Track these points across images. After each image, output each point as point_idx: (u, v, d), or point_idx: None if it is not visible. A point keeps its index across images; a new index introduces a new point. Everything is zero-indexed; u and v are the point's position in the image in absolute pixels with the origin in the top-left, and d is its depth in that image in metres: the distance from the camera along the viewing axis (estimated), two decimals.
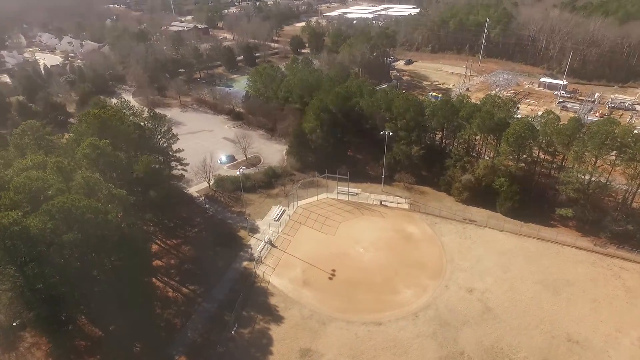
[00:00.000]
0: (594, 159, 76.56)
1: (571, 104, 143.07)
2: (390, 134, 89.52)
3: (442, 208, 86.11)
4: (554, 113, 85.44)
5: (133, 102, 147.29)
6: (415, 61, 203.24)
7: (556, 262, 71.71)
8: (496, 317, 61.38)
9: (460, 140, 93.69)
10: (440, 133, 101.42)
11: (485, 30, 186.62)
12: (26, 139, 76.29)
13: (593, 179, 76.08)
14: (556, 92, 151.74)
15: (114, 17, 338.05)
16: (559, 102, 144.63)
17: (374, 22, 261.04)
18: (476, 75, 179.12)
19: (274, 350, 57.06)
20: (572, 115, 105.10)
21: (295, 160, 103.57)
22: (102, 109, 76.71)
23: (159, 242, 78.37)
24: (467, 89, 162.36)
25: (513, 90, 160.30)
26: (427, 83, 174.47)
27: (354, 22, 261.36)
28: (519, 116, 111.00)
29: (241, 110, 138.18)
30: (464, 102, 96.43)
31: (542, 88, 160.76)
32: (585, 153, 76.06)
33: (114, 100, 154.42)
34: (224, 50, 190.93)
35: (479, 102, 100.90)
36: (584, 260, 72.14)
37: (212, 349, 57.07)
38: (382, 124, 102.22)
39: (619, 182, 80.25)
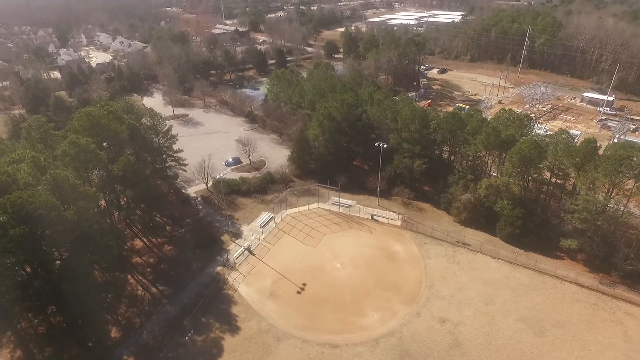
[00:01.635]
0: (606, 187, 68.11)
1: (614, 122, 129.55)
2: (385, 146, 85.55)
3: (437, 228, 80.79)
4: (567, 133, 77.38)
5: (158, 100, 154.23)
6: (450, 70, 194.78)
7: (549, 298, 64.44)
8: (464, 354, 56.00)
9: (465, 157, 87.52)
10: (448, 148, 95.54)
11: (527, 40, 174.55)
12: (33, 133, 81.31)
13: (604, 209, 67.55)
14: (599, 109, 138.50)
15: (168, 19, 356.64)
16: (600, 120, 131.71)
17: (415, 28, 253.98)
18: (513, 87, 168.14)
19: None
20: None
21: (295, 167, 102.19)
22: (101, 108, 79.87)
23: (144, 240, 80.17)
24: (500, 101, 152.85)
25: (550, 104, 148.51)
26: (459, 93, 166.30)
27: (395, 28, 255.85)
28: (542, 132, 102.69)
29: (259, 114, 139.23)
30: (475, 115, 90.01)
31: (584, 103, 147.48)
32: (597, 180, 67.84)
33: (144, 99, 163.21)
34: (255, 53, 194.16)
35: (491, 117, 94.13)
36: (583, 299, 64.20)
37: (163, 352, 56.90)
38: (387, 134, 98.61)
39: (638, 214, 70.86)
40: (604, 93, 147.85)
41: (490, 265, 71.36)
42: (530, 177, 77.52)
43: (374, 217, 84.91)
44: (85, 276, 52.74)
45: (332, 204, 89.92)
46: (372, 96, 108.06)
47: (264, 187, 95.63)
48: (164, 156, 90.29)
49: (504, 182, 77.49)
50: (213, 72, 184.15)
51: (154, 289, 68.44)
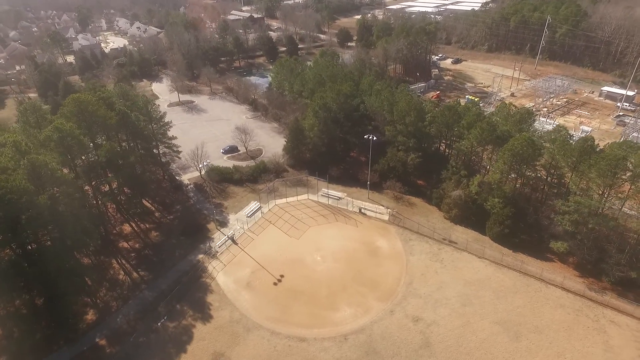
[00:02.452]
0: (600, 188, 64.62)
1: (633, 118, 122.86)
2: (375, 138, 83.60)
3: (425, 224, 78.92)
4: (565, 129, 73.52)
5: (166, 86, 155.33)
6: (465, 60, 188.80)
7: (531, 302, 62.13)
8: (433, 354, 54.77)
9: (459, 151, 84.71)
10: (445, 142, 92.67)
11: (546, 30, 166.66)
12: (30, 117, 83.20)
13: (597, 211, 64.19)
14: (618, 104, 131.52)
15: (187, 4, 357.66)
16: (617, 116, 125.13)
17: (432, 16, 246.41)
18: (528, 79, 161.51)
19: (189, 349, 56.47)
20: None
21: (290, 157, 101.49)
22: (93, 93, 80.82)
23: (133, 225, 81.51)
24: (512, 94, 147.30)
25: (566, 98, 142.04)
26: (471, 85, 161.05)
27: (412, 15, 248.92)
28: (550, 128, 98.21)
29: (263, 102, 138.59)
30: (472, 109, 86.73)
31: (602, 98, 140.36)
32: (590, 181, 64.45)
33: (153, 85, 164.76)
34: (265, 40, 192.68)
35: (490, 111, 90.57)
36: (567, 305, 61.61)
37: (135, 336, 57.99)
38: (384, 126, 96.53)
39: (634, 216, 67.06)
40: (626, 87, 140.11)
41: (474, 265, 69.28)
42: (523, 176, 74.31)
43: (362, 210, 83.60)
44: (57, 259, 53.74)
45: (322, 195, 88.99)
46: (372, 86, 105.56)
47: (257, 176, 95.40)
48: (156, 142, 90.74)
49: (495, 180, 74.69)
50: (223, 58, 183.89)
51: (135, 274, 69.65)
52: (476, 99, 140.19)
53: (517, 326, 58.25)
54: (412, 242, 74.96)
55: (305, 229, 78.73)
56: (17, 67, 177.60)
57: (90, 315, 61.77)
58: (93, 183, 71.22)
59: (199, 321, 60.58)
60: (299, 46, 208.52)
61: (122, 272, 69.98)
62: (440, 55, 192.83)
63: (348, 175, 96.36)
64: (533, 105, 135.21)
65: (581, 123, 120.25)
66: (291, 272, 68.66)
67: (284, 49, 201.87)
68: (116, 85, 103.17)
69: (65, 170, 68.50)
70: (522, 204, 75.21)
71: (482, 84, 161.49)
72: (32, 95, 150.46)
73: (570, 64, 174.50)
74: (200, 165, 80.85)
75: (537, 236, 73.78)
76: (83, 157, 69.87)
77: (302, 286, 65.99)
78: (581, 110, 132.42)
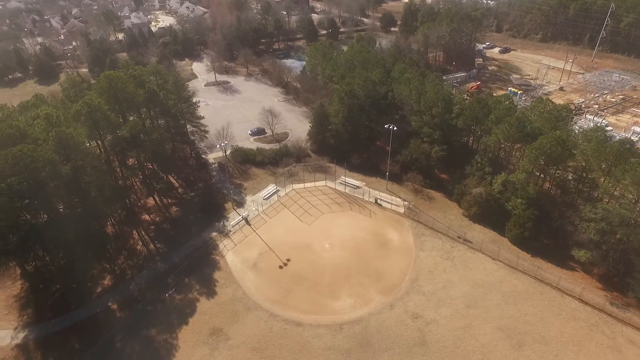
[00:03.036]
0: (634, 197, 59.28)
1: None
2: (395, 128, 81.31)
3: (441, 220, 76.50)
4: (603, 129, 67.66)
5: (205, 66, 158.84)
6: (514, 50, 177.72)
7: (542, 310, 58.88)
8: (427, 353, 53.68)
9: (485, 147, 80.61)
10: (473, 136, 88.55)
11: (607, 19, 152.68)
12: (70, 91, 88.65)
13: (628, 221, 59.06)
14: None
15: None
16: None
17: (485, 1, 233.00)
18: (582, 73, 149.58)
19: (191, 321, 58.98)
20: None
21: (313, 142, 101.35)
22: (125, 71, 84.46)
23: (156, 199, 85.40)
24: (561, 88, 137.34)
25: (623, 95, 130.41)
26: (516, 76, 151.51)
27: (463, 0, 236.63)
28: (605, 124, 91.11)
29: (296, 85, 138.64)
30: (503, 103, 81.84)
31: None
32: (623, 188, 59.28)
33: (194, 64, 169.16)
34: (306, 22, 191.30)
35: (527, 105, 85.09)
36: (582, 318, 57.81)
37: (142, 304, 61.44)
38: (411, 116, 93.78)
39: None
40: None
41: (486, 267, 66.47)
42: (552, 177, 69.63)
43: (378, 201, 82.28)
44: (76, 226, 57.60)
45: (340, 183, 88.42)
46: (403, 74, 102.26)
47: (278, 160, 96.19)
48: (184, 121, 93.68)
49: (520, 179, 70.54)
50: (263, 40, 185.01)
51: (151, 246, 73.27)
52: (519, 92, 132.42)
53: (521, 334, 55.56)
54: (424, 237, 73.02)
55: (319, 216, 78.84)
56: (74, 43, 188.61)
57: (107, 281, 66.00)
58: (119, 157, 74.97)
59: (203, 296, 62.99)
60: (341, 30, 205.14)
61: (140, 243, 73.84)
62: (487, 43, 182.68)
63: (370, 165, 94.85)
64: (582, 102, 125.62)
65: (635, 123, 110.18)
66: (298, 257, 69.33)
67: (324, 32, 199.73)
68: (150, 64, 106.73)
69: (94, 144, 72.93)
70: (547, 207, 70.77)
71: (529, 75, 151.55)
72: (83, 70, 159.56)
73: (635, 58, 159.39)
74: (217, 145, 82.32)
75: (563, 242, 69.29)
76: (110, 132, 73.31)
77: (306, 272, 66.54)
78: (638, 109, 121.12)
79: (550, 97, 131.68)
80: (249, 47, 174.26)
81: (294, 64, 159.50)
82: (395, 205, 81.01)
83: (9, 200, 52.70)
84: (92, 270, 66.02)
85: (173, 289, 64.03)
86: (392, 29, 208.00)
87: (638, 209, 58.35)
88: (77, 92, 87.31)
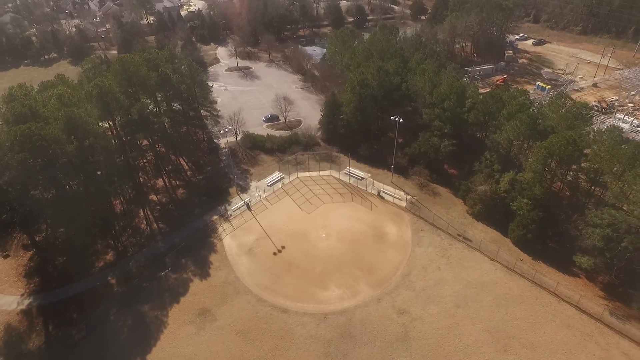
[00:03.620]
0: None
1: None
2: (401, 120, 79.61)
3: (444, 216, 74.88)
4: (619, 130, 63.52)
5: (228, 51, 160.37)
6: (549, 42, 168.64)
7: (534, 315, 56.89)
8: (408, 349, 53.25)
9: (495, 144, 77.61)
10: (484, 132, 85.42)
11: None
12: (90, 73, 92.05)
13: (636, 229, 55.70)
14: None
15: None
16: None
17: None
18: (621, 68, 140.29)
19: (182, 300, 61.05)
20: None
21: (323, 131, 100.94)
22: (140, 55, 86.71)
23: (165, 180, 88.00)
24: (595, 84, 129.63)
25: None
26: (548, 70, 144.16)
27: None
28: (627, 127, 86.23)
29: (316, 73, 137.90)
30: (518, 98, 78.25)
31: None
32: (632, 193, 55.77)
33: (218, 49, 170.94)
34: (332, 9, 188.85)
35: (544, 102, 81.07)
36: (576, 326, 55.43)
37: (139, 281, 64.10)
38: (423, 108, 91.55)
39: None
40: None
41: (483, 267, 64.70)
42: (561, 178, 66.37)
43: (381, 193, 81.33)
44: (79, 203, 60.52)
45: (345, 173, 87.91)
46: (419, 65, 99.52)
47: (287, 147, 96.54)
48: (197, 105, 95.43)
49: (527, 179, 67.65)
50: (288, 27, 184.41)
51: (155, 225, 75.95)
52: (547, 87, 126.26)
53: (509, 338, 54.02)
54: (423, 232, 71.76)
55: (319, 205, 78.94)
56: (107, 26, 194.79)
57: (110, 256, 69.12)
58: (128, 138, 77.58)
59: (197, 277, 64.91)
60: (368, 17, 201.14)
61: (145, 222, 76.66)
62: (520, 35, 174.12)
63: (379, 156, 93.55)
64: (616, 100, 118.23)
65: None
66: (293, 245, 69.95)
67: (352, 19, 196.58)
68: (167, 48, 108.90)
69: (107, 125, 75.71)
70: (554, 210, 67.73)
71: (561, 70, 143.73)
72: (113, 52, 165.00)
73: None
74: (221, 131, 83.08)
75: (569, 247, 66.22)
76: (121, 113, 75.76)
77: (299, 260, 67.11)
78: None
79: (581, 94, 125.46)
80: (273, 33, 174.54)
81: (316, 51, 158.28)
82: (398, 198, 79.85)
83: (18, 175, 55.98)
84: (96, 245, 69.38)
85: (169, 268, 66.31)
86: (422, 17, 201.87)
87: None
88: (96, 74, 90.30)
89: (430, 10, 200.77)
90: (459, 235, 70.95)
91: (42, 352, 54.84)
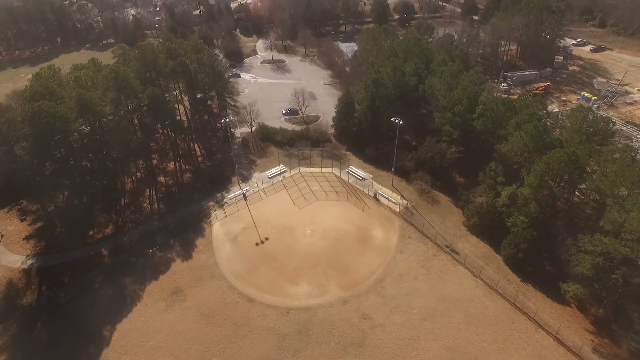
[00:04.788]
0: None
1: None
2: (401, 122, 77.15)
3: (436, 225, 71.97)
4: (633, 150, 56.98)
5: (264, 44, 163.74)
6: (609, 49, 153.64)
7: (505, 340, 53.22)
8: (359, 355, 52.24)
9: (500, 154, 72.83)
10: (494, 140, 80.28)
11: None
12: (120, 58, 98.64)
13: (631, 261, 50.09)
14: None
15: None
16: None
17: None
18: None
19: (161, 278, 64.28)
20: None
21: (336, 128, 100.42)
22: (162, 43, 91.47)
23: (176, 164, 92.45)
24: None
25: None
26: (601, 80, 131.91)
27: None
28: None
29: (346, 69, 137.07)
30: (532, 106, 72.76)
31: None
32: (628, 220, 50.07)
33: (259, 41, 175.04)
34: (377, 6, 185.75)
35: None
36: (549, 357, 51.10)
37: (127, 255, 68.46)
38: (435, 112, 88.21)
39: None
40: None
41: (462, 282, 61.47)
42: (560, 196, 61.08)
43: (377, 195, 79.67)
44: (82, 178, 65.98)
45: (347, 172, 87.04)
46: (441, 66, 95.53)
47: (297, 141, 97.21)
48: (214, 94, 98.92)
49: (525, 195, 62.99)
50: (331, 22, 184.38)
51: (155, 205, 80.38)
52: (593, 98, 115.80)
53: None
54: (409, 239, 69.48)
55: (313, 201, 79.05)
56: (163, 15, 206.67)
57: (109, 229, 74.33)
58: (139, 122, 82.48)
59: (179, 258, 67.98)
60: (415, 15, 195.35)
61: (147, 201, 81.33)
62: (578, 40, 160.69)
63: (386, 158, 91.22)
64: None
65: None
66: (276, 238, 70.87)
67: (397, 17, 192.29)
68: (189, 39, 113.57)
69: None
70: (552, 230, 62.57)
71: (617, 80, 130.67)
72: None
73: None
74: (223, 120, 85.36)
75: (566, 271, 60.90)
76: (133, 98, 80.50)
77: (278, 253, 67.90)
78: None
79: (633, 107, 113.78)
80: (314, 27, 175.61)
81: (350, 48, 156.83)
82: (393, 202, 77.78)
83: (29, 148, 62.18)
84: (100, 218, 75.07)
85: (157, 247, 70.04)
86: (474, 17, 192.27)
87: None
88: (126, 59, 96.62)
89: (481, 10, 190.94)
90: (447, 246, 67.87)
91: (32, 307, 60.64)
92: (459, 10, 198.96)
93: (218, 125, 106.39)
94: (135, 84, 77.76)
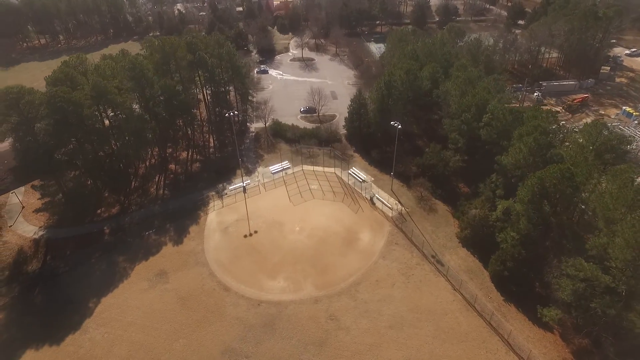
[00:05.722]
0: (621, 262, 45.77)
1: None
2: (400, 126, 75.60)
3: (427, 234, 70.19)
4: (634, 172, 52.33)
5: (297, 41, 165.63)
6: None
7: (469, 358, 51.14)
8: (317, 355, 52.32)
9: (500, 166, 69.43)
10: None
11: None
12: (147, 50, 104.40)
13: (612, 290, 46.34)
14: None
15: None
16: None
17: None
18: None
19: (150, 259, 67.68)
20: None
21: (346, 129, 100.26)
22: (187, 38, 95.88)
23: (189, 153, 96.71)
24: None
25: None
26: None
27: None
28: None
29: (372, 70, 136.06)
30: (538, 117, 68.61)
31: None
32: (611, 246, 46.25)
33: (294, 39, 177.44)
34: (416, 7, 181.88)
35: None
36: None
37: (125, 235, 72.84)
38: (445, 118, 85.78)
39: None
40: None
41: (440, 295, 59.57)
42: (552, 214, 57.26)
43: (373, 199, 78.79)
44: (84, 158, 71.23)
45: (349, 173, 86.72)
46: (457, 72, 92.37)
47: (306, 139, 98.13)
48: (233, 88, 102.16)
49: (518, 211, 59.78)
50: (366, 22, 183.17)
51: (161, 191, 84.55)
52: (635, 113, 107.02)
53: None
54: (396, 246, 68.24)
55: (309, 199, 79.68)
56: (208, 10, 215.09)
57: (115, 210, 79.33)
58: (152, 111, 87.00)
59: (171, 242, 71.28)
60: (457, 18, 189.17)
61: (154, 187, 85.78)
62: (632, 49, 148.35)
63: (391, 161, 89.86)
64: None
65: None
66: (265, 232, 72.32)
67: (436, 19, 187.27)
68: (212, 34, 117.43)
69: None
70: (543, 250, 58.94)
71: None
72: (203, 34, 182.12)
73: None
74: (226, 114, 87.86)
75: (545, 288, 57.36)
76: (148, 88, 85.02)
77: (263, 246, 69.31)
78: None
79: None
80: (350, 27, 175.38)
81: (380, 49, 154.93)
82: (388, 207, 76.59)
83: (47, 129, 68.27)
84: (110, 199, 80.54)
85: (153, 230, 73.88)
86: (520, 22, 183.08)
87: (625, 278, 44.91)
88: (153, 51, 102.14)
89: (529, 14, 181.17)
90: (433, 256, 65.98)
91: (34, 274, 66.36)
92: (505, 14, 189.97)
93: (236, 119, 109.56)
94: (150, 75, 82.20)
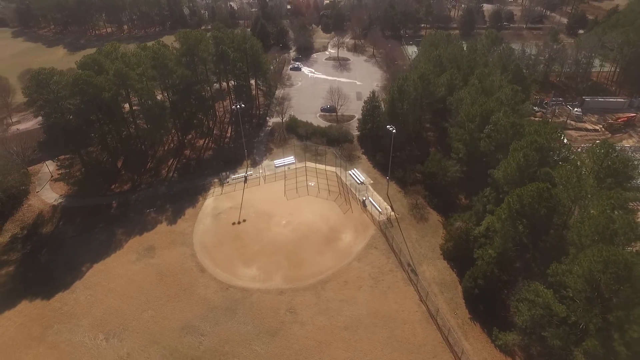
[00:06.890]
0: (576, 292, 42.41)
1: None
2: (394, 131, 74.48)
3: (410, 242, 69.04)
4: (622, 196, 47.94)
5: (336, 41, 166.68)
6: None
7: None
8: (267, 344, 53.88)
9: (493, 180, 66.22)
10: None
11: None
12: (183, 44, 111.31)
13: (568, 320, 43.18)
14: None
15: None
16: None
17: None
18: None
19: (145, 235, 72.84)
20: None
21: (359, 130, 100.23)
22: (211, 31, 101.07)
23: (204, 141, 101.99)
24: None
25: None
26: None
27: None
28: None
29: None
30: (540, 131, 64.52)
31: None
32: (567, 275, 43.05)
33: (335, 38, 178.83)
34: (465, 12, 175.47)
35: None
36: None
37: (129, 210, 79.03)
38: (452, 127, 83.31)
39: None
40: None
41: (404, 304, 58.54)
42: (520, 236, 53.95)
43: (365, 202, 78.49)
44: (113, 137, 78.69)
45: (349, 174, 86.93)
46: (480, 80, 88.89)
47: (317, 137, 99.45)
48: (251, 82, 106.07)
49: (496, 227, 57.15)
50: (411, 25, 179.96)
51: (170, 173, 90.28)
52: None
53: None
54: (374, 250, 67.79)
55: (303, 195, 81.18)
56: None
57: (127, 186, 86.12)
58: (169, 99, 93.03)
59: (166, 222, 76.23)
60: (510, 25, 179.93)
61: (166, 169, 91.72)
62: None
63: (396, 166, 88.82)
64: None
65: None
66: (253, 221, 74.97)
67: (486, 25, 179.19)
68: (242, 30, 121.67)
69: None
70: (513, 270, 55.93)
71: None
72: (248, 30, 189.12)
73: None
74: (233, 107, 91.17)
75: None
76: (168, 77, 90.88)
77: (247, 235, 71.98)
78: None
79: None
80: (393, 29, 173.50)
81: (417, 52, 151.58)
82: (378, 211, 75.97)
83: (72, 109, 76.24)
84: (125, 176, 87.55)
85: (154, 208, 79.38)
86: (580, 31, 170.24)
87: (580, 310, 41.57)
88: (183, 43, 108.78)
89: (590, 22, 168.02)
90: (408, 265, 64.74)
91: (47, 235, 74.28)
92: (565, 21, 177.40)
93: (256, 112, 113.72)
94: (170, 64, 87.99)
